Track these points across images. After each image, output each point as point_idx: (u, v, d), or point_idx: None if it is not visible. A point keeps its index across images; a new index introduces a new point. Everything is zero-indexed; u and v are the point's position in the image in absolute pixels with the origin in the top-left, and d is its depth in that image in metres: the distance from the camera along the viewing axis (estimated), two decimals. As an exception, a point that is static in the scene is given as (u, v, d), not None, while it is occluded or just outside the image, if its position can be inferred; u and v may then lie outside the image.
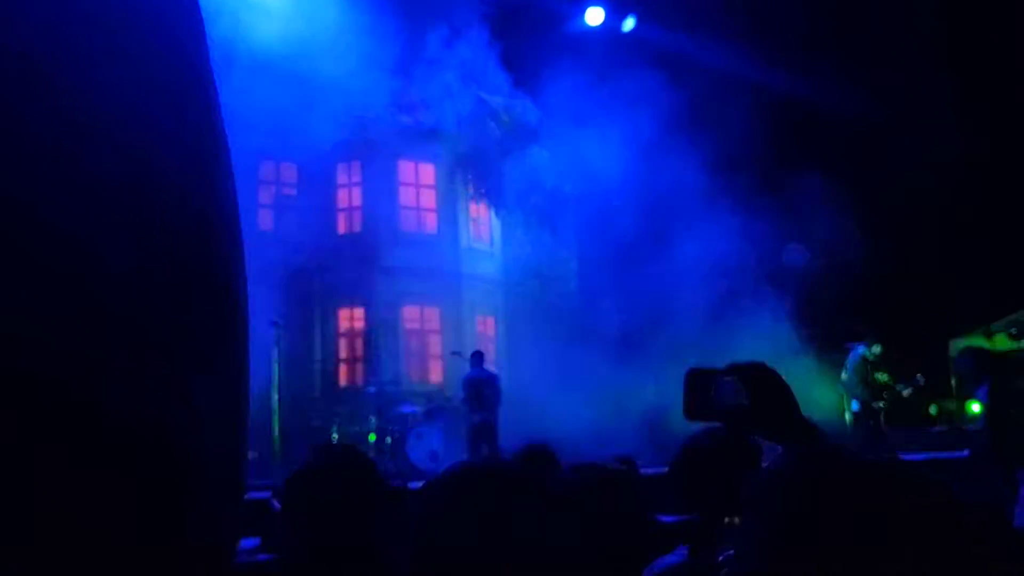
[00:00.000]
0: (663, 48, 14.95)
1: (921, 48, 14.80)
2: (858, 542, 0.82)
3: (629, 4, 15.31)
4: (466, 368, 12.26)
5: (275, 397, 10.17)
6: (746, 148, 14.69)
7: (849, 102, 14.84)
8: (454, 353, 14.94)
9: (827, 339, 14.20)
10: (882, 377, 11.16)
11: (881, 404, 11.11)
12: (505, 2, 15.47)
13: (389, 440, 12.12)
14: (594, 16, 15.19)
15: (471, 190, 19.23)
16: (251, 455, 12.27)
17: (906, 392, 11.39)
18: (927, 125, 14.91)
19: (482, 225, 19.78)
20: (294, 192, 18.40)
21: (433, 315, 18.46)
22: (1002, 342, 15.04)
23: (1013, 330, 15.04)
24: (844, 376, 11.46)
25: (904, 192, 15.38)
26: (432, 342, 18.38)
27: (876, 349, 11.31)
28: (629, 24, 15.35)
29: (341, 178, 18.65)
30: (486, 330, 19.20)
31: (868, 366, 11.20)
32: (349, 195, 18.69)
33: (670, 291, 14.93)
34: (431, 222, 18.87)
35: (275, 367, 10.10)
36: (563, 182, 18.40)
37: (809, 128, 15.10)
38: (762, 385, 1.30)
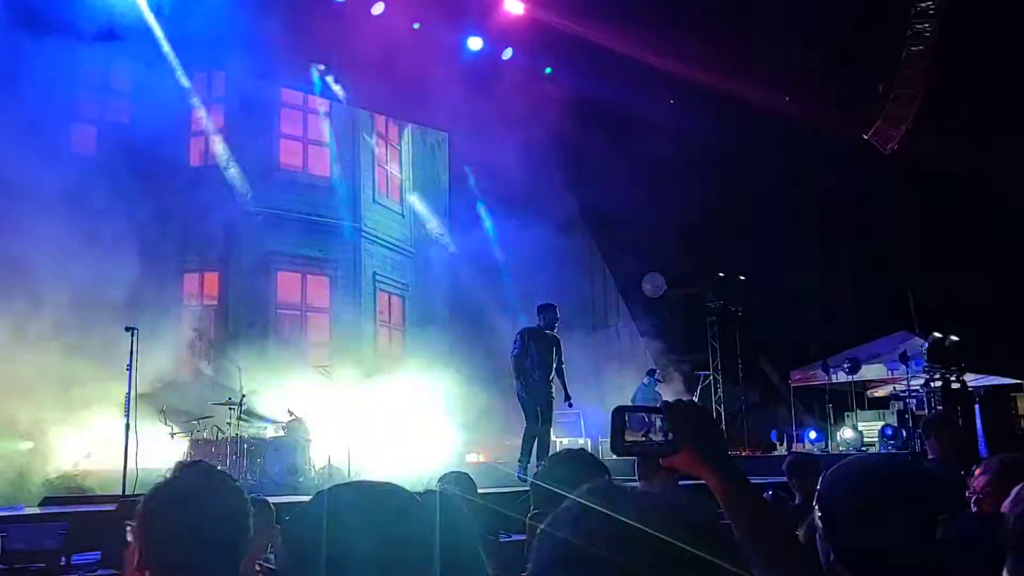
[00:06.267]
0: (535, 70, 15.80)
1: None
2: None
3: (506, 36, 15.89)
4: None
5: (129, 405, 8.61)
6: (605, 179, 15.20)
7: (709, 125, 14.84)
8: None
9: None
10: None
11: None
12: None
13: (247, 448, 10.30)
14: (475, 43, 15.60)
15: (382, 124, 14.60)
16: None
17: None
18: (784, 155, 15.35)
19: (392, 178, 15.15)
20: (127, 105, 13.01)
21: (319, 287, 13.66)
22: (839, 376, 16.56)
23: (847, 365, 16.01)
24: None
25: (752, 227, 16.14)
26: (315, 325, 13.58)
27: (656, 378, 12.12)
28: (508, 53, 15.90)
29: (197, 90, 13.35)
30: (390, 315, 14.65)
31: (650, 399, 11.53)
32: (207, 115, 13.41)
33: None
34: (323, 162, 13.99)
35: (131, 377, 8.37)
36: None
37: (672, 155, 14.70)
38: (692, 422, 1.39)
